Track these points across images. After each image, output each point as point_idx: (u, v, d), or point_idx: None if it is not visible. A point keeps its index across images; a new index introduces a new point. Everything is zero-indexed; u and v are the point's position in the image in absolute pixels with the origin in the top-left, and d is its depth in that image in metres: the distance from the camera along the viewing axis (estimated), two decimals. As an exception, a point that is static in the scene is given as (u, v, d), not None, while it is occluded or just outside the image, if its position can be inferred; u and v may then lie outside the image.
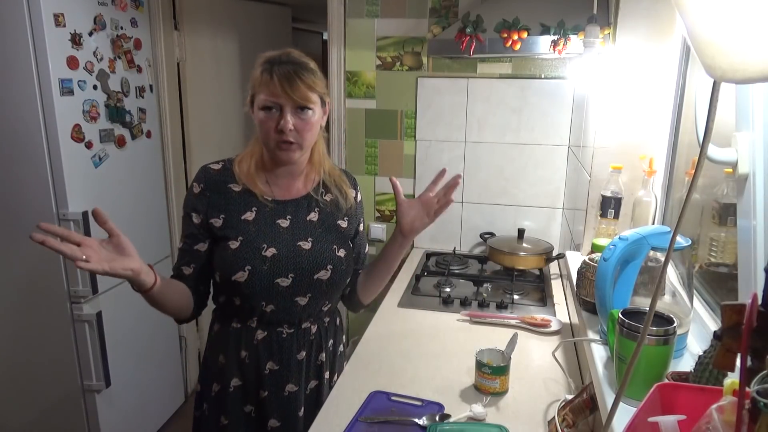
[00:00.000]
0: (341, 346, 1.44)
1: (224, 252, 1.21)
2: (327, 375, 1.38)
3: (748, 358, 0.48)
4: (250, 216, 1.23)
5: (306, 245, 1.25)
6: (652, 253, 1.08)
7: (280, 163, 1.25)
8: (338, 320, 1.42)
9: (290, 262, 1.23)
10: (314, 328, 1.32)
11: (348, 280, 1.36)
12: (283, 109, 1.16)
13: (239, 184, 1.24)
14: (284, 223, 1.26)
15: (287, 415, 1.31)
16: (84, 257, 0.96)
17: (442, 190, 1.26)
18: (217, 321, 1.34)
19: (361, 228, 1.43)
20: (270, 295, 1.23)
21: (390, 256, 1.35)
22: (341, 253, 1.30)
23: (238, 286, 1.21)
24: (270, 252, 1.22)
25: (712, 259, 1.15)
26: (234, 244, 1.21)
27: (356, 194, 1.41)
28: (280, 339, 1.28)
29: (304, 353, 1.31)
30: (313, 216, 1.29)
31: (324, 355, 1.36)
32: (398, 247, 1.32)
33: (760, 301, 0.48)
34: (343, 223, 1.34)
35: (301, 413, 1.32)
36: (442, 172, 1.26)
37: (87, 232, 2.05)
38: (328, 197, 1.33)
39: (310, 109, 1.18)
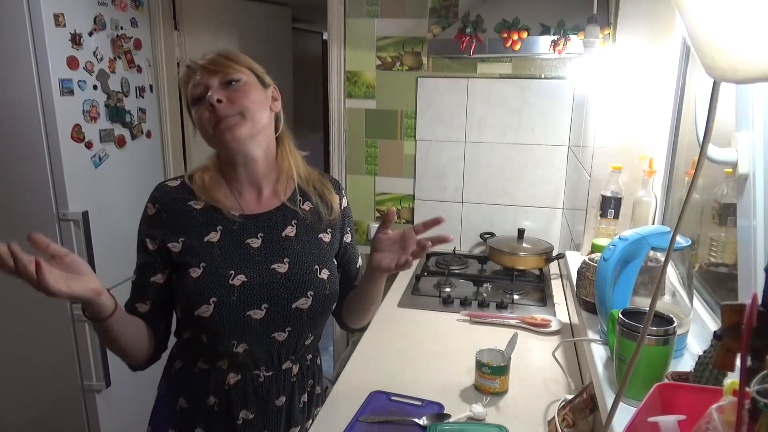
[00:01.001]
0: (318, 387, 1.24)
1: (185, 282, 1.03)
2: (309, 422, 1.21)
3: (748, 358, 0.48)
4: (214, 237, 1.05)
5: (282, 268, 1.07)
6: (652, 253, 1.08)
7: (234, 156, 1.06)
8: (319, 359, 1.24)
9: (263, 290, 1.04)
10: (296, 368, 1.14)
11: (334, 305, 1.17)
12: (207, 86, 1.02)
13: (200, 201, 1.07)
14: (255, 242, 1.07)
15: None
16: (38, 275, 0.80)
17: (427, 238, 1.05)
18: (180, 358, 1.14)
19: (348, 240, 1.22)
20: (241, 331, 1.04)
21: (366, 290, 1.16)
22: (324, 274, 1.11)
23: (203, 321, 1.02)
24: (239, 279, 1.03)
25: (712, 259, 1.15)
26: (195, 272, 1.02)
27: (341, 200, 1.22)
28: (257, 384, 1.09)
29: (284, 398, 1.13)
30: (290, 231, 1.11)
31: (306, 396, 1.18)
32: (373, 283, 1.13)
33: (760, 301, 0.48)
34: (326, 237, 1.15)
35: None
36: (438, 221, 1.05)
37: (87, 233, 2.05)
38: (307, 206, 1.15)
39: (237, 80, 1.03)
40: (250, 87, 1.04)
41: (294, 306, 1.07)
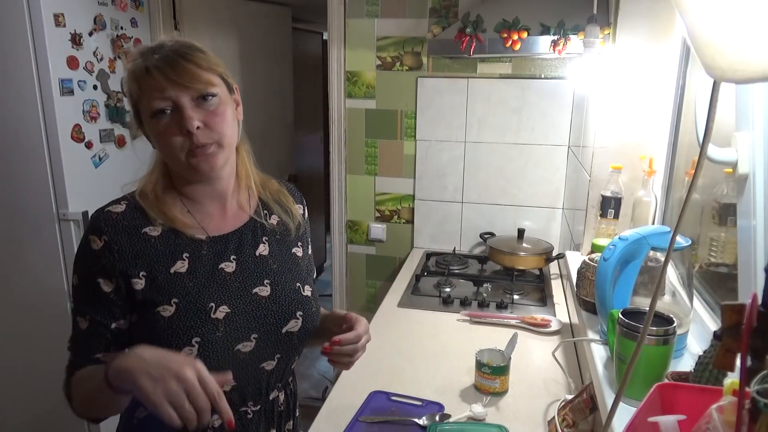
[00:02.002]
0: (297, 410, 1.13)
1: (155, 324, 0.88)
2: None
3: (748, 358, 0.48)
4: (182, 267, 0.91)
5: (264, 291, 0.97)
6: (652, 253, 1.08)
7: (201, 180, 0.94)
8: (295, 383, 1.13)
9: (250, 319, 0.94)
10: (282, 396, 1.04)
11: (317, 324, 1.06)
12: (179, 104, 0.86)
13: (156, 226, 0.92)
14: (229, 266, 0.95)
15: None
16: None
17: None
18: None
19: (309, 252, 1.13)
20: (230, 367, 0.87)
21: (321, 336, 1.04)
22: (307, 291, 1.03)
23: None
24: (221, 312, 0.91)
25: (712, 259, 1.15)
26: (167, 311, 0.88)
27: (304, 211, 1.13)
28: (246, 422, 0.98)
29: (273, 431, 1.04)
30: (263, 249, 1.00)
31: (291, 423, 1.09)
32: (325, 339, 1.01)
33: (760, 301, 0.48)
34: (298, 251, 1.07)
35: None
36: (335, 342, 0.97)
37: (87, 232, 2.05)
38: (273, 220, 1.04)
39: (213, 95, 0.89)
40: (225, 106, 0.91)
41: (284, 330, 0.98)
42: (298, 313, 0.99)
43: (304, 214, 1.12)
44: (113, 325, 0.90)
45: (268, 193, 1.06)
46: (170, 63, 0.86)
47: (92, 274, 0.89)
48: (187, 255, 0.92)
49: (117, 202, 0.94)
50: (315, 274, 1.17)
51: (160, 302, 0.89)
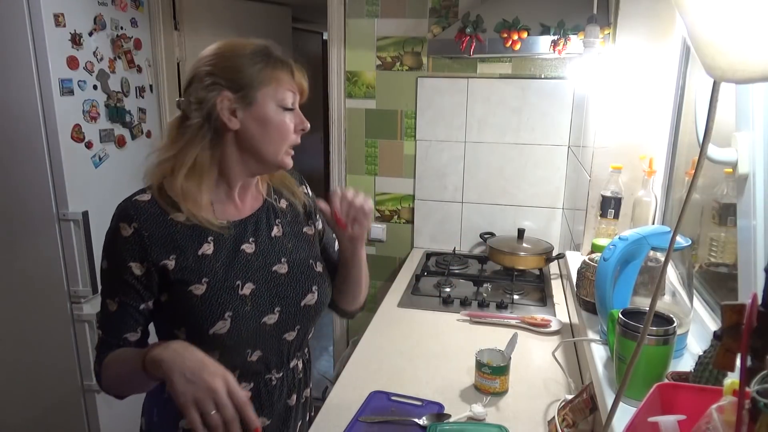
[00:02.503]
0: (310, 386, 1.23)
1: (187, 302, 0.96)
2: (307, 415, 1.22)
3: (748, 358, 0.48)
4: (208, 249, 0.99)
5: (282, 269, 1.06)
6: (652, 253, 1.08)
7: (263, 173, 1.07)
8: (310, 353, 1.23)
9: (273, 294, 1.03)
10: (300, 365, 1.14)
11: (330, 298, 1.17)
12: (296, 107, 1.01)
13: (183, 213, 0.97)
14: (249, 248, 1.03)
15: None
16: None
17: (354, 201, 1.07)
18: None
19: (321, 226, 1.21)
20: (256, 338, 1.02)
21: (347, 266, 1.16)
22: (319, 267, 1.12)
23: (219, 339, 0.97)
24: (248, 288, 1.00)
25: (712, 259, 1.15)
26: (199, 289, 0.96)
27: (306, 189, 1.20)
28: (270, 388, 1.08)
29: (294, 397, 1.13)
30: (277, 231, 1.09)
31: (309, 390, 1.20)
32: (353, 257, 1.14)
33: (760, 301, 0.48)
34: (309, 230, 1.16)
35: None
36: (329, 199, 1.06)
37: (87, 233, 2.05)
38: (283, 203, 1.13)
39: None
40: None
41: (303, 303, 1.07)
42: (314, 288, 1.08)
43: (307, 193, 1.19)
44: (141, 306, 0.98)
45: (276, 178, 1.14)
46: (303, 70, 1.02)
47: (123, 259, 0.95)
48: (212, 238, 1.00)
49: (142, 191, 0.99)
50: (337, 244, 1.22)
51: (191, 282, 0.96)
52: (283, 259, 1.06)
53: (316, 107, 4.58)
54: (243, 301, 0.99)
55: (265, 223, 1.07)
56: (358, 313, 1.28)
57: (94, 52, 2.08)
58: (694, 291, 1.11)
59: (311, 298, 1.08)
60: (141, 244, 0.94)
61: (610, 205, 1.50)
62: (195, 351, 0.86)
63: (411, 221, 2.46)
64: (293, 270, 1.07)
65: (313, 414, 1.25)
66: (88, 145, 2.08)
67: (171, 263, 0.96)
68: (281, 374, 1.09)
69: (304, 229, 1.14)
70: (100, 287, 1.00)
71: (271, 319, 1.02)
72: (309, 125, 1.02)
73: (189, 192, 0.97)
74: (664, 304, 1.07)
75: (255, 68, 0.97)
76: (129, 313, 0.97)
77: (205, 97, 0.95)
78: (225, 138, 0.98)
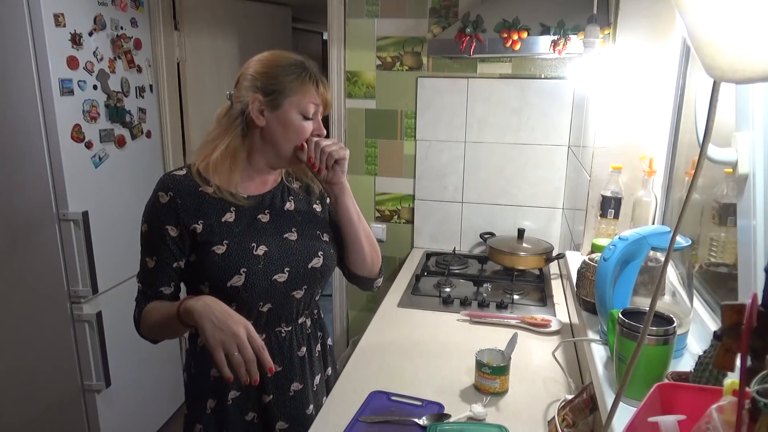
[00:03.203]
0: (329, 339, 1.42)
1: (211, 259, 1.14)
2: (329, 370, 1.39)
3: (748, 358, 0.48)
4: (230, 217, 1.18)
5: (292, 236, 1.22)
6: (652, 253, 1.08)
7: (281, 166, 1.25)
8: (321, 313, 1.39)
9: (283, 256, 1.19)
10: (308, 322, 1.30)
11: (335, 264, 1.32)
12: (316, 115, 1.19)
13: (211, 187, 1.17)
14: (264, 218, 1.22)
15: (295, 416, 1.27)
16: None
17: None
18: None
19: (329, 200, 1.35)
20: (268, 293, 1.18)
21: (344, 223, 1.28)
22: (326, 237, 1.28)
23: (236, 291, 1.15)
24: (261, 250, 1.17)
25: (712, 259, 1.15)
26: (220, 249, 1.14)
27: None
28: (280, 339, 1.24)
29: (304, 349, 1.28)
30: (290, 206, 1.26)
31: (320, 346, 1.35)
32: (343, 212, 1.26)
33: (760, 301, 0.48)
34: (318, 208, 1.32)
35: (309, 410, 1.29)
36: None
37: (87, 233, 2.05)
38: (296, 184, 1.32)
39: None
40: None
41: (310, 266, 1.22)
42: (320, 252, 1.24)
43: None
44: (174, 264, 1.16)
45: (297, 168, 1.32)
46: (325, 83, 1.19)
47: (161, 222, 1.14)
48: (233, 208, 1.18)
49: (179, 168, 1.20)
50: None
51: (214, 243, 1.14)
52: (293, 229, 1.23)
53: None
54: (256, 260, 1.16)
55: (280, 199, 1.26)
56: (377, 284, 1.40)
57: (94, 52, 2.08)
58: (694, 291, 1.11)
59: (317, 262, 1.23)
60: (175, 210, 1.14)
61: (610, 205, 1.50)
62: (222, 304, 1.03)
63: (411, 221, 2.46)
64: (301, 237, 1.23)
65: (337, 368, 1.45)
66: (88, 145, 2.08)
67: (199, 227, 1.14)
68: (290, 328, 1.25)
69: (314, 206, 1.31)
70: (140, 248, 1.18)
71: (281, 277, 1.18)
72: (325, 132, 1.20)
73: (220, 169, 1.16)
74: (664, 304, 1.07)
75: (287, 78, 1.15)
76: (164, 270, 1.16)
77: (243, 95, 1.16)
78: (253, 131, 1.18)
